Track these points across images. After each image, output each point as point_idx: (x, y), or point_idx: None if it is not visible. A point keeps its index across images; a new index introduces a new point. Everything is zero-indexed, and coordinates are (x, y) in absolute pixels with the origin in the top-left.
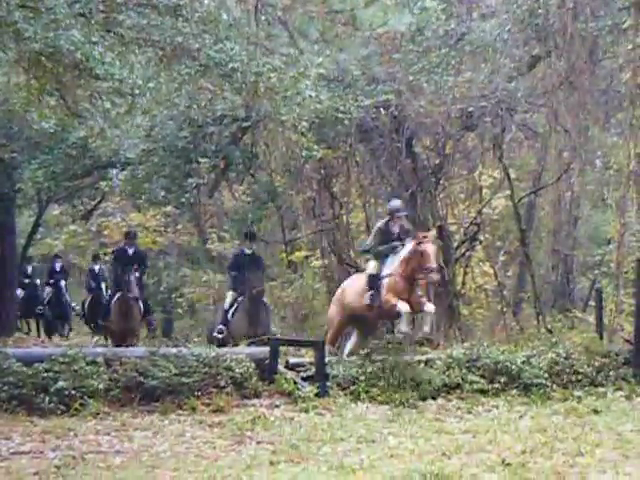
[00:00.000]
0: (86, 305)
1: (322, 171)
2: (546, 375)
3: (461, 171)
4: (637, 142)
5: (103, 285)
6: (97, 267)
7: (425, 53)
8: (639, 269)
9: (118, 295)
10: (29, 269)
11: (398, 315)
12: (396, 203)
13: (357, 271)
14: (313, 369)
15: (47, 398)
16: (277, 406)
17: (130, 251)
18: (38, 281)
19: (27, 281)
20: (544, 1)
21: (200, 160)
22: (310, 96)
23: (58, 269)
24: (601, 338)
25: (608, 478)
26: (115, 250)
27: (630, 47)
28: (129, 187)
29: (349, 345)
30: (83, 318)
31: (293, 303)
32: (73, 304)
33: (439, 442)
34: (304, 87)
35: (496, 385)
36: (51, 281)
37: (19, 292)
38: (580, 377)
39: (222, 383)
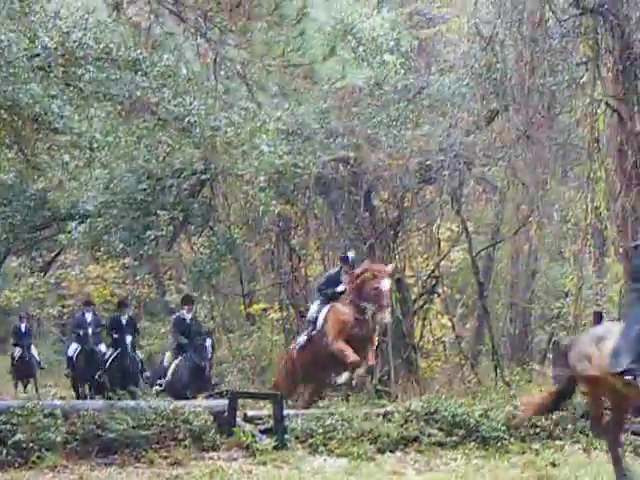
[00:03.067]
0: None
1: (280, 224)
2: (504, 428)
3: (419, 224)
4: (594, 196)
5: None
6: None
7: (383, 107)
8: (596, 322)
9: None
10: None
11: None
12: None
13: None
14: (271, 422)
15: (4, 451)
16: (235, 459)
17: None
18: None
19: (81, 332)
20: (502, 56)
21: (159, 213)
22: (269, 150)
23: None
24: None
25: None
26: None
27: (587, 101)
28: (88, 239)
29: None
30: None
31: (251, 355)
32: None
33: None
34: (262, 141)
35: (454, 438)
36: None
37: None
38: (538, 430)
39: (180, 436)
